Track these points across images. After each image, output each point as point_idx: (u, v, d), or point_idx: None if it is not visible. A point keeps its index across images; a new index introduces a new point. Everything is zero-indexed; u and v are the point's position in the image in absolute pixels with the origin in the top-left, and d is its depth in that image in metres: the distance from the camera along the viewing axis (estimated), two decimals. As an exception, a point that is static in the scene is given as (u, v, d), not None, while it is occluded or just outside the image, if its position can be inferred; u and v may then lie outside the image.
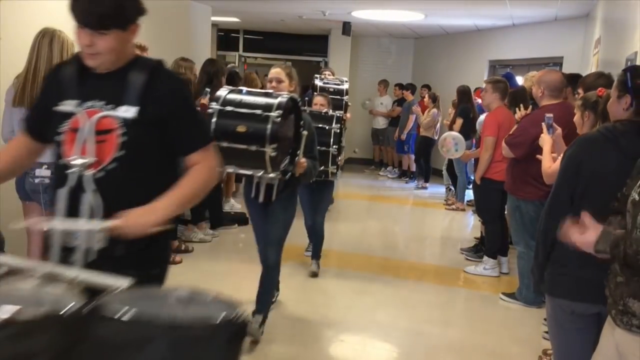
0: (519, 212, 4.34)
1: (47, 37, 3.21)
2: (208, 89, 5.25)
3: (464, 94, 7.86)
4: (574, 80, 4.39)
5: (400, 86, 10.85)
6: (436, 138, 9.62)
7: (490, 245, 5.29)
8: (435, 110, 9.31)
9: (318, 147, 3.88)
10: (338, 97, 6.78)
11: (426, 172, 9.90)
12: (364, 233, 7.09)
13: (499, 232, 5.25)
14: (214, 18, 9.47)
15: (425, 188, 9.80)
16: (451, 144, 6.60)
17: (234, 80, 6.13)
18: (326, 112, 5.17)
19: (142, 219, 1.79)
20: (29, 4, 4.15)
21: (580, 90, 3.75)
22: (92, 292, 1.47)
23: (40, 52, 3.20)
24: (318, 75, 7.14)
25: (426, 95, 9.77)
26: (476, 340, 3.94)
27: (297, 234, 6.59)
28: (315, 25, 11.11)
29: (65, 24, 3.31)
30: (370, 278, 5.15)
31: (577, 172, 2.28)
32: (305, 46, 12.69)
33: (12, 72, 3.94)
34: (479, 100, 6.76)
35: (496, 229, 5.23)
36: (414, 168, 10.34)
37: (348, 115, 6.93)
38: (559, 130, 3.49)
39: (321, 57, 12.04)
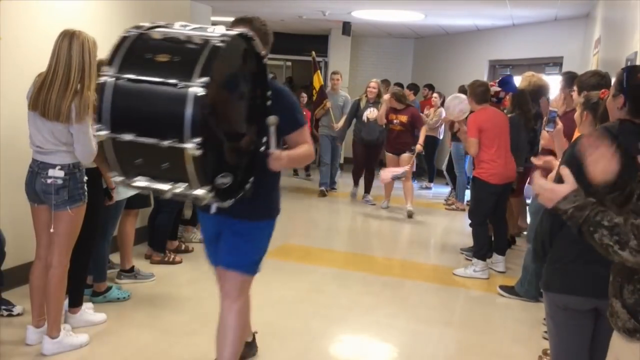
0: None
1: (66, 39, 3.09)
2: None
3: (466, 94, 7.84)
4: (573, 80, 4.40)
5: (401, 86, 10.84)
6: (441, 138, 9.64)
7: (478, 247, 5.27)
8: (442, 109, 9.32)
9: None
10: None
11: (430, 172, 9.92)
12: (363, 233, 7.09)
13: (487, 234, 5.26)
14: (214, 18, 9.47)
15: (429, 188, 9.82)
16: (453, 105, 6.16)
17: None
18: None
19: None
20: (30, 4, 4.15)
21: (575, 88, 3.77)
22: None
23: (60, 55, 3.08)
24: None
25: (435, 95, 9.74)
26: (476, 340, 3.94)
27: (298, 234, 6.61)
28: (315, 25, 11.11)
29: (66, 24, 3.33)
30: (370, 278, 5.15)
31: (579, 170, 2.27)
32: (305, 46, 12.67)
33: (12, 72, 3.95)
34: None
35: (483, 231, 5.23)
36: (414, 168, 10.34)
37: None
38: (560, 125, 3.48)
39: (321, 57, 12.01)
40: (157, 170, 2.22)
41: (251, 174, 2.57)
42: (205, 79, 2.06)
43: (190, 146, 2.07)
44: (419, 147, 7.47)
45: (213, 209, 2.58)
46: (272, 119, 2.49)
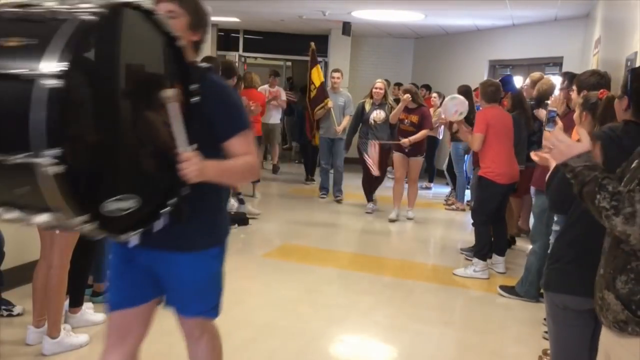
0: (548, 213, 4.29)
1: None
2: None
3: (465, 94, 7.82)
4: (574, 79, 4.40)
5: (400, 86, 10.84)
6: (440, 138, 9.63)
7: (480, 247, 5.27)
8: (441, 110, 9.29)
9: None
10: None
11: (430, 172, 9.92)
12: (364, 233, 7.09)
13: (489, 234, 5.26)
14: (214, 18, 9.48)
15: (429, 188, 9.83)
16: (449, 106, 5.72)
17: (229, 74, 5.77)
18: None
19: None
20: (29, 5, 4.14)
21: (574, 87, 3.77)
22: None
23: None
24: None
25: (435, 95, 9.74)
26: (476, 340, 3.94)
27: (297, 235, 6.61)
28: (315, 25, 11.11)
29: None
30: (370, 278, 5.15)
31: None
32: (305, 46, 12.65)
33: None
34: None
35: (486, 230, 5.23)
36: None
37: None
38: (560, 124, 3.49)
39: (321, 57, 12.02)
40: (11, 196, 1.62)
41: (176, 191, 1.93)
42: (62, 64, 1.47)
43: (45, 161, 1.46)
44: (405, 141, 6.95)
45: (131, 242, 1.99)
46: (168, 92, 1.77)
